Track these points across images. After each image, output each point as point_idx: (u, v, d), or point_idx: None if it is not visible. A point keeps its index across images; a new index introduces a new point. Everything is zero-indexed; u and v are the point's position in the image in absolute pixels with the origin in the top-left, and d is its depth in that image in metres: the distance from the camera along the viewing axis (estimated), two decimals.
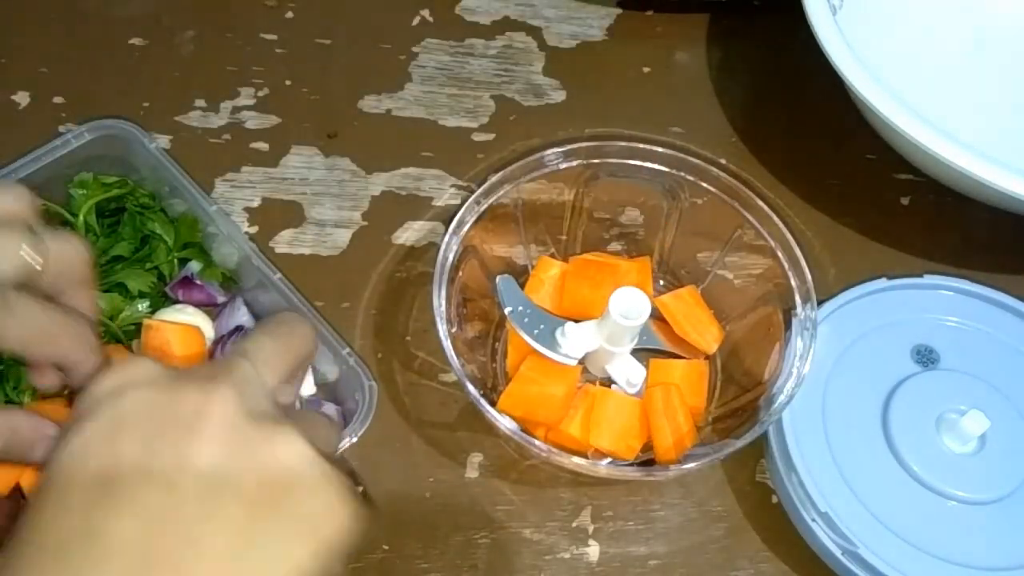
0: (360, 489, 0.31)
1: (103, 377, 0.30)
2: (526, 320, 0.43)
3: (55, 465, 0.28)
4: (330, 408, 0.44)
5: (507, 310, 0.43)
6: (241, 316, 0.47)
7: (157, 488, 0.26)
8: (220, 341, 0.45)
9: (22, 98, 0.56)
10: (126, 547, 0.25)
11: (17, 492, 0.42)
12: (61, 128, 0.55)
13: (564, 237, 0.50)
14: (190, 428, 0.28)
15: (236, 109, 0.57)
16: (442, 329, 0.41)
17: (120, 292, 0.46)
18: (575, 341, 0.42)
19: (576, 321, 0.43)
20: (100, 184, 0.48)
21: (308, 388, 0.46)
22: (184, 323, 0.45)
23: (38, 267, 0.32)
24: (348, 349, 0.43)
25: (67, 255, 0.34)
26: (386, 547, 0.43)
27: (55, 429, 0.33)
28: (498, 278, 0.44)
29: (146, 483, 0.27)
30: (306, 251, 0.52)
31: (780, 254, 0.45)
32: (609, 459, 0.44)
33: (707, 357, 0.48)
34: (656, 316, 0.45)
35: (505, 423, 0.40)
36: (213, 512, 0.26)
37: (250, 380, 0.30)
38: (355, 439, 0.42)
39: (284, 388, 0.33)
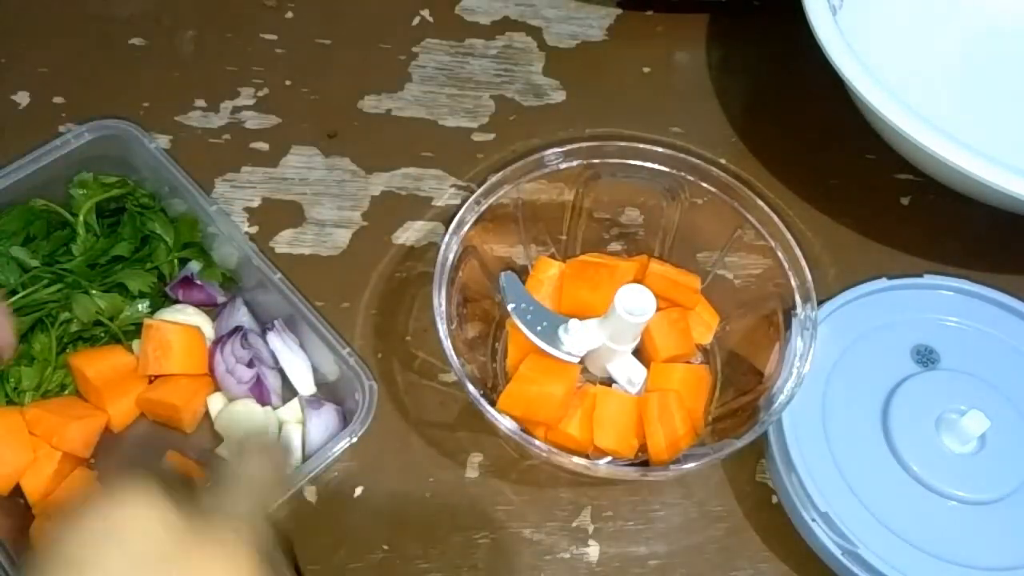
0: None
1: (95, 510, 0.27)
2: (529, 317, 0.43)
3: None
4: (330, 408, 0.44)
5: (510, 306, 0.43)
6: (241, 316, 0.47)
7: None
8: (220, 341, 0.45)
9: (22, 98, 0.56)
10: None
11: (17, 492, 0.42)
12: (61, 128, 0.55)
13: (564, 237, 0.50)
14: None
15: (236, 109, 0.57)
16: (442, 329, 0.41)
17: (120, 292, 0.46)
18: (578, 339, 0.42)
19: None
20: (100, 184, 0.49)
21: (308, 388, 0.46)
22: (184, 323, 0.45)
23: None
24: (348, 349, 0.43)
25: None
26: (386, 547, 0.43)
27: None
28: (502, 274, 0.44)
29: None
30: (306, 251, 0.52)
31: (780, 254, 0.45)
32: (608, 458, 0.44)
33: (706, 360, 0.48)
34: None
35: (505, 423, 0.40)
36: None
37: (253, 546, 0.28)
38: (355, 439, 0.42)
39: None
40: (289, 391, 0.46)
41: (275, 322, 0.46)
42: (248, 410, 0.44)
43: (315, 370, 0.46)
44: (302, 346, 0.46)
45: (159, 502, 0.27)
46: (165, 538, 0.26)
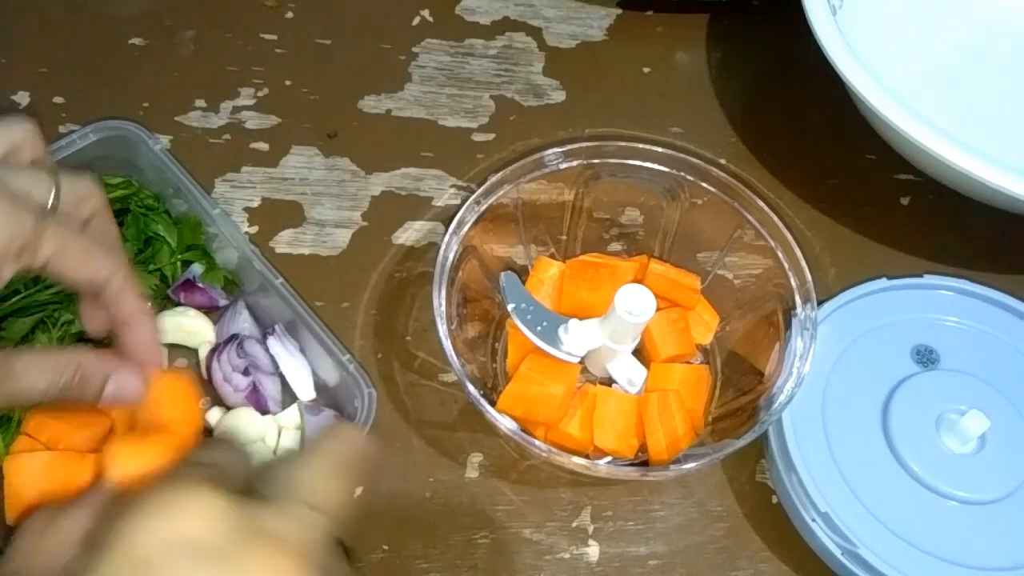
0: None
1: (148, 514, 0.24)
2: (529, 317, 0.43)
3: None
4: (329, 414, 0.44)
5: (510, 307, 0.43)
6: (242, 321, 0.47)
7: None
8: (217, 349, 0.45)
9: (22, 98, 0.57)
10: None
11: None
12: (62, 128, 0.55)
13: (564, 237, 0.50)
14: None
15: (236, 109, 0.57)
16: (442, 329, 0.41)
17: None
18: (578, 338, 0.42)
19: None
20: (105, 184, 0.48)
21: (308, 393, 0.46)
22: (176, 378, 0.40)
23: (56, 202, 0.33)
24: (348, 356, 0.43)
25: (80, 190, 0.35)
26: (386, 547, 0.43)
27: (114, 369, 0.34)
28: (502, 274, 0.44)
29: None
30: (306, 251, 0.52)
31: (780, 254, 0.45)
32: (608, 458, 0.44)
33: (706, 360, 0.48)
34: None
35: (505, 423, 0.40)
36: None
37: (320, 547, 0.26)
38: None
39: None
40: (289, 396, 0.46)
41: (276, 327, 0.46)
42: (247, 417, 0.44)
43: (315, 375, 0.46)
44: (302, 351, 0.46)
45: (219, 498, 0.25)
46: (228, 534, 0.24)
